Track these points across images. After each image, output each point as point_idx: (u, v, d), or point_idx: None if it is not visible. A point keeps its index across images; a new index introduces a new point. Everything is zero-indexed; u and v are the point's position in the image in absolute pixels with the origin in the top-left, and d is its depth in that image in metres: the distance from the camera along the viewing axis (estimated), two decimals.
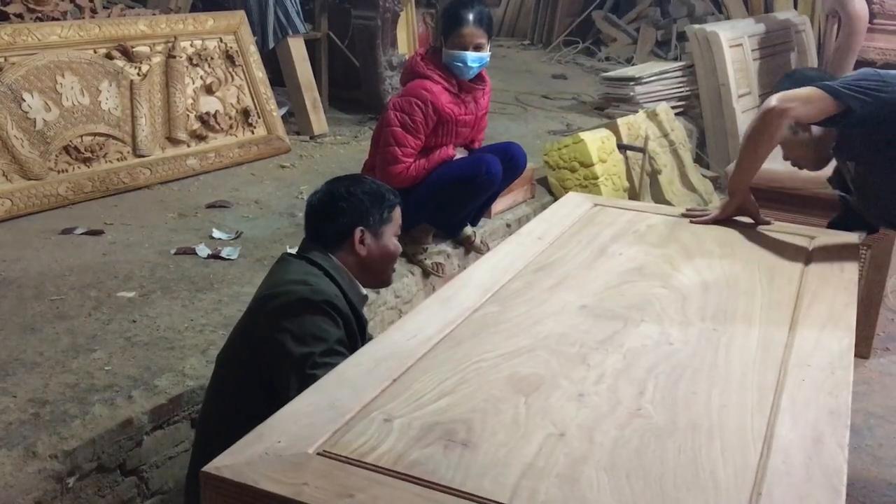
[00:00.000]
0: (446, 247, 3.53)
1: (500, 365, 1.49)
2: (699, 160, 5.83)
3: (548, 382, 1.44)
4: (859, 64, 6.51)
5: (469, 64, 3.22)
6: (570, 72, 7.70)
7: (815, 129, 2.32)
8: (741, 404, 1.40)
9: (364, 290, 2.07)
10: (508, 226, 4.00)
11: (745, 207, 2.38)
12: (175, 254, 3.20)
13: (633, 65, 7.23)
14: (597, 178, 4.29)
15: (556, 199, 4.42)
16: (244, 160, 4.36)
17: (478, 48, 3.22)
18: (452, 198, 3.32)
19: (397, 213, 2.08)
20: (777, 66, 6.75)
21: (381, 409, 1.32)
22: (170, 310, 2.75)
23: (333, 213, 2.01)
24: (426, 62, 3.28)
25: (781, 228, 2.37)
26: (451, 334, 1.60)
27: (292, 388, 1.71)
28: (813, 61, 7.21)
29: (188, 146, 4.16)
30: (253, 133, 4.49)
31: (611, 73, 6.30)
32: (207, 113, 4.26)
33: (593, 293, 1.85)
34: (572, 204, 2.56)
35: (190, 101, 4.21)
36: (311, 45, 5.17)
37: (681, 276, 1.98)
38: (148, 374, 2.36)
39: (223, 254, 3.21)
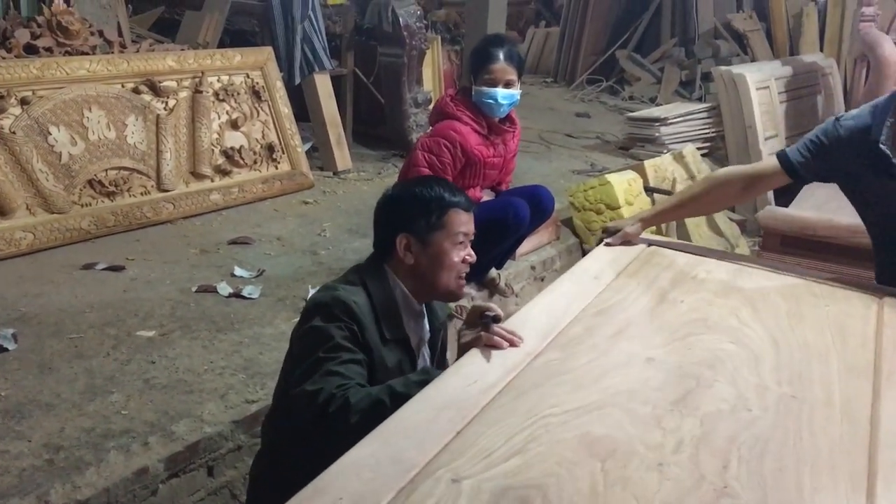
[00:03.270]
0: (470, 289, 3.46)
1: (569, 422, 1.39)
2: None
3: (623, 447, 1.33)
4: None
5: (500, 101, 3.18)
6: (594, 110, 7.67)
7: None
8: (834, 488, 1.29)
9: (418, 306, 1.92)
10: (533, 268, 3.94)
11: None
12: (196, 291, 3.16)
13: (657, 104, 7.21)
14: None
15: (581, 240, 4.36)
16: (267, 195, 4.33)
17: (508, 85, 3.18)
18: (478, 241, 3.24)
19: (454, 218, 1.86)
20: (804, 109, 6.69)
21: (447, 466, 1.22)
22: (189, 351, 2.70)
23: (378, 219, 1.93)
24: (456, 103, 3.25)
25: (843, 283, 2.23)
26: (513, 383, 1.51)
27: (302, 384, 1.67)
28: (840, 105, 7.14)
29: (212, 181, 4.14)
30: (277, 168, 4.47)
31: (636, 114, 6.27)
32: (232, 148, 4.25)
33: (659, 345, 1.74)
34: (609, 249, 2.41)
35: (215, 135, 4.20)
36: (336, 82, 5.17)
37: (749, 331, 1.86)
38: (165, 420, 2.30)
39: (244, 292, 3.17)
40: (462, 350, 1.66)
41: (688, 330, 1.83)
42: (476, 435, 1.31)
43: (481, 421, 1.36)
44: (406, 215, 1.86)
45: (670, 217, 2.42)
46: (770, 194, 5.73)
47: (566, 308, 1.87)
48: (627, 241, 2.35)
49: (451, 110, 3.25)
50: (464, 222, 1.88)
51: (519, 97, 3.29)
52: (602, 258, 2.26)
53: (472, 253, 1.93)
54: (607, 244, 2.34)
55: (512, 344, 1.63)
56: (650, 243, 2.37)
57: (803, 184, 2.72)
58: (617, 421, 1.41)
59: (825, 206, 4.52)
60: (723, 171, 2.49)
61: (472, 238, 1.93)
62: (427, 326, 1.96)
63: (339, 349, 1.70)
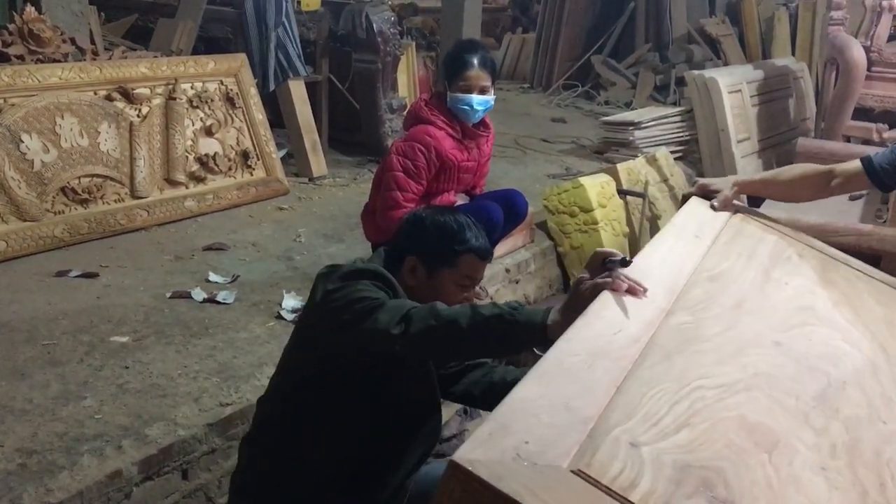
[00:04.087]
0: None
1: (724, 399, 1.30)
2: None
3: (783, 440, 1.25)
4: (857, 111, 6.55)
5: (475, 107, 3.21)
6: (570, 115, 7.73)
7: None
8: None
9: None
10: (508, 271, 3.97)
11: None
12: (170, 297, 3.15)
13: (632, 109, 7.27)
14: (596, 223, 4.27)
15: (555, 243, 4.40)
16: (242, 202, 4.33)
17: (483, 91, 3.21)
18: None
19: (467, 262, 1.85)
20: (776, 112, 6.79)
21: (621, 426, 1.13)
22: (163, 356, 2.71)
23: (400, 230, 1.93)
24: (430, 107, 3.27)
25: None
26: (654, 340, 1.40)
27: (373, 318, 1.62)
28: (811, 108, 7.25)
29: (186, 188, 4.14)
30: (252, 175, 4.47)
31: (610, 118, 6.33)
32: (206, 155, 4.25)
33: (779, 328, 1.61)
34: (701, 204, 2.21)
35: (189, 142, 4.20)
36: (311, 88, 5.18)
37: (856, 333, 1.72)
38: (139, 423, 2.30)
39: (219, 298, 3.17)
40: (584, 295, 1.52)
41: (801, 318, 1.70)
42: (638, 395, 1.22)
43: (636, 378, 1.26)
44: (422, 240, 1.85)
45: (760, 191, 2.33)
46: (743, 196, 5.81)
47: (680, 266, 1.73)
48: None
49: (426, 115, 3.28)
50: (476, 269, 1.87)
51: (493, 102, 3.32)
52: (696, 217, 2.08)
53: (472, 296, 1.90)
54: (713, 208, 2.16)
55: (634, 293, 1.50)
56: (737, 210, 2.19)
57: (885, 191, 2.68)
58: (766, 408, 1.32)
59: (795, 207, 4.58)
60: (811, 164, 2.39)
61: (478, 285, 1.92)
62: None
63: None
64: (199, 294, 3.18)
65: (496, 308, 1.58)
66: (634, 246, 4.53)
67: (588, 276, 1.57)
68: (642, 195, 4.54)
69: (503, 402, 1.12)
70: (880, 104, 6.67)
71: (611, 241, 4.32)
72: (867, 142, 6.32)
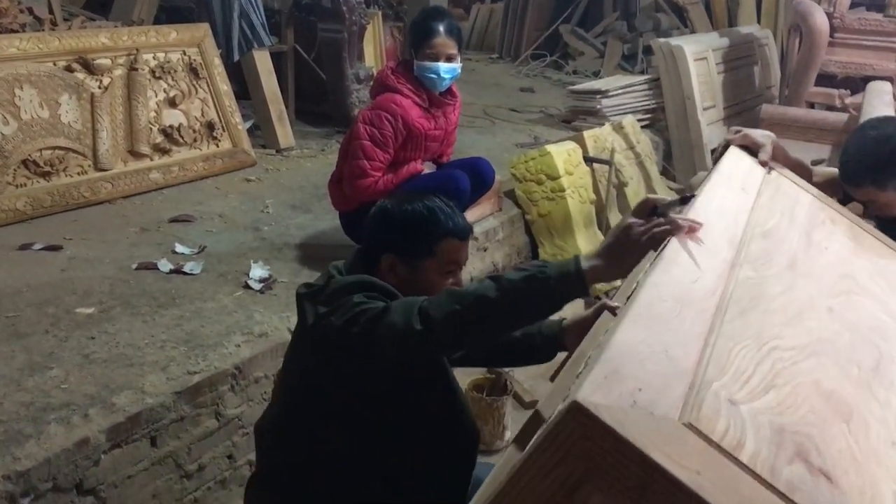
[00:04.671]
0: None
1: (798, 363, 1.23)
2: (665, 173, 5.87)
3: (856, 412, 1.20)
4: (820, 78, 6.61)
5: (442, 75, 3.21)
6: (538, 85, 7.73)
7: None
8: None
9: None
10: (476, 239, 3.98)
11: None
12: (136, 269, 3.14)
13: (599, 78, 7.28)
14: (563, 190, 4.30)
15: (523, 211, 4.42)
16: (209, 174, 4.30)
17: (449, 59, 3.21)
18: None
19: (447, 247, 1.71)
20: (741, 80, 6.84)
21: (717, 381, 1.06)
22: (130, 326, 2.70)
23: (368, 228, 1.78)
24: (397, 75, 3.27)
25: None
26: (727, 293, 1.32)
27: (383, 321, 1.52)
28: (776, 75, 7.31)
29: (151, 160, 4.10)
30: (218, 146, 4.44)
31: (577, 87, 6.34)
32: (171, 126, 4.21)
33: (829, 292, 1.53)
34: (745, 158, 2.07)
35: (153, 114, 4.15)
36: (276, 58, 5.14)
37: (893, 305, 1.64)
38: (106, 392, 2.30)
39: (186, 269, 3.16)
40: (636, 243, 1.44)
41: (846, 285, 1.61)
42: (724, 350, 1.15)
43: (721, 333, 1.20)
44: (394, 235, 1.71)
45: (780, 160, 2.26)
46: (708, 159, 5.87)
47: (735, 218, 1.63)
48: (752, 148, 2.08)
49: (392, 83, 3.27)
50: (458, 251, 1.75)
51: (460, 70, 3.32)
52: (739, 168, 1.96)
53: (461, 280, 1.78)
54: (763, 164, 2.03)
55: (694, 231, 1.41)
56: (770, 168, 2.06)
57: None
58: (835, 376, 1.26)
59: None
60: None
61: (464, 264, 1.78)
62: None
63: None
64: (165, 265, 3.17)
65: (521, 271, 1.49)
66: (601, 213, 4.57)
67: (638, 223, 1.47)
68: (609, 163, 4.58)
69: (610, 344, 1.04)
70: (843, 70, 6.72)
71: (578, 208, 4.36)
72: (830, 108, 6.39)
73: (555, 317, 1.65)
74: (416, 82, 3.27)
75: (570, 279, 1.45)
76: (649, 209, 1.54)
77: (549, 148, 4.40)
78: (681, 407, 0.96)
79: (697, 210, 1.51)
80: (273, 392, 1.97)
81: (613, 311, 1.74)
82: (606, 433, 0.83)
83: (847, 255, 1.75)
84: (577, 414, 0.85)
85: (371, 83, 5.32)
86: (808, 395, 1.14)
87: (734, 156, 1.99)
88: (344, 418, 1.67)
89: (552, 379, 2.26)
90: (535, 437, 0.90)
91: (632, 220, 1.48)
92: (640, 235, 1.42)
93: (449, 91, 3.37)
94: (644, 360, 1.02)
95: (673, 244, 1.37)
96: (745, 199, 1.73)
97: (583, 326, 1.80)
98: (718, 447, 0.92)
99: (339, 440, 1.68)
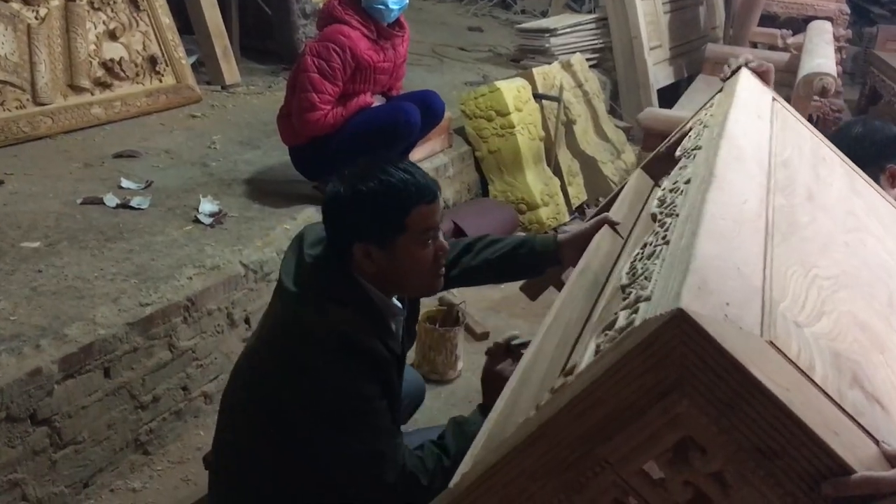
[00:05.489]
0: None
1: (837, 293, 1.22)
2: (612, 111, 5.92)
3: (886, 343, 1.19)
4: (763, 18, 6.71)
5: (390, 6, 3.18)
6: (486, 24, 7.68)
7: None
8: None
9: (395, 305, 1.70)
10: None
11: None
12: (81, 203, 3.08)
13: (547, 17, 7.26)
14: (513, 126, 4.32)
15: (473, 148, 4.44)
16: (153, 110, 4.21)
17: None
18: (370, 146, 3.26)
19: (416, 216, 1.57)
20: (687, 20, 6.89)
21: (782, 303, 1.04)
22: (78, 259, 2.66)
23: (327, 220, 1.63)
24: (344, 7, 3.22)
25: None
26: (769, 218, 1.29)
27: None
28: (720, 16, 7.39)
29: (92, 94, 3.99)
30: (161, 82, 4.33)
31: (526, 25, 6.32)
32: (111, 60, 4.09)
33: (842, 227, 1.51)
34: (757, 85, 2.04)
35: (92, 47, 4.02)
36: None
37: (890, 244, 1.63)
38: (57, 324, 2.28)
39: (133, 203, 3.11)
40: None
41: (853, 222, 1.60)
42: (780, 273, 1.13)
43: (775, 255, 1.17)
44: (358, 221, 1.57)
45: None
46: (654, 97, 5.94)
47: (758, 144, 1.58)
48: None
49: (340, 14, 3.22)
50: (429, 216, 1.59)
51: (408, 1, 3.29)
52: (752, 94, 1.92)
53: (445, 245, 1.66)
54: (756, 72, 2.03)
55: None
56: (774, 98, 2.03)
57: None
58: (864, 308, 1.25)
59: None
60: None
61: (441, 229, 1.65)
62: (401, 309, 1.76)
63: (379, 414, 1.57)
64: (111, 200, 3.11)
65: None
66: (550, 150, 4.61)
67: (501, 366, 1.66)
68: (557, 99, 4.60)
69: (694, 256, 1.00)
70: (784, 11, 6.84)
71: (527, 144, 4.39)
72: (772, 47, 6.50)
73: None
74: (363, 14, 3.23)
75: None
76: (503, 350, 1.69)
77: (499, 84, 4.40)
78: (760, 325, 0.95)
79: (730, 135, 1.48)
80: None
81: (614, 225, 1.81)
82: (708, 343, 0.82)
83: (847, 193, 1.73)
84: (683, 322, 0.82)
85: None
86: (849, 325, 1.13)
87: (747, 81, 1.95)
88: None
89: (524, 289, 2.32)
90: (616, 341, 0.90)
91: (493, 367, 1.67)
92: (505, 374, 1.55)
93: (397, 23, 3.34)
94: (723, 275, 0.99)
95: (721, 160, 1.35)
96: (763, 127, 1.70)
97: (582, 239, 1.84)
98: (796, 367, 0.91)
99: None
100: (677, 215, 1.21)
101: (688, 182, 1.36)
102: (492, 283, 2.13)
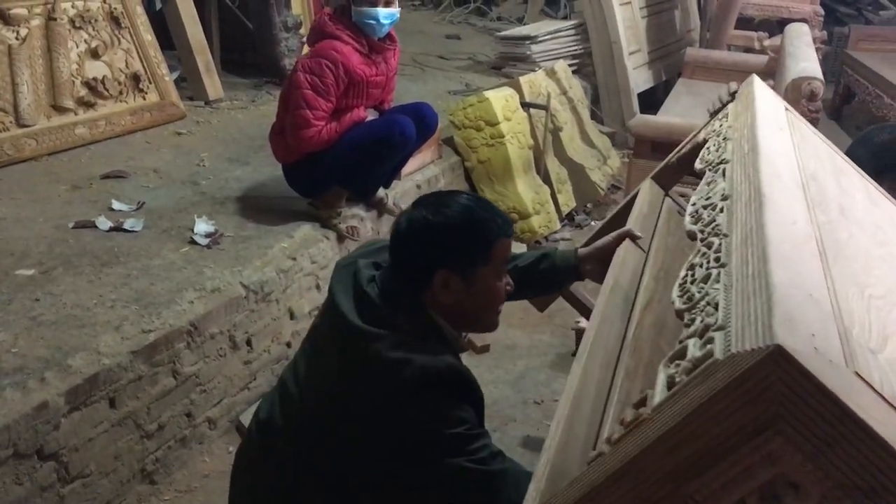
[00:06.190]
0: (360, 210, 3.47)
1: (891, 313, 1.16)
2: (594, 116, 5.94)
3: None
4: (739, 21, 6.77)
5: (381, 21, 3.15)
6: (463, 32, 7.68)
7: None
8: None
9: (462, 339, 1.68)
10: (419, 187, 3.98)
11: None
12: (73, 228, 3.01)
13: (524, 24, 7.28)
14: (503, 136, 4.31)
15: (462, 158, 4.42)
16: (137, 128, 4.14)
17: (388, 4, 3.16)
18: (366, 160, 3.26)
19: (500, 249, 1.60)
20: (663, 24, 6.94)
21: (854, 328, 1.00)
22: (75, 287, 2.60)
23: (411, 245, 1.60)
24: (335, 22, 3.19)
25: None
26: (818, 237, 1.23)
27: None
28: (695, 20, 7.45)
29: (76, 114, 3.91)
30: (145, 99, 4.26)
31: (506, 33, 6.32)
32: (95, 79, 4.02)
33: (873, 242, 1.46)
34: (770, 94, 2.00)
35: (75, 66, 3.95)
36: (199, 7, 4.93)
37: None
38: (60, 355, 2.22)
39: (126, 226, 3.05)
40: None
41: (882, 236, 1.54)
42: (843, 296, 1.08)
43: (833, 278, 1.12)
44: (447, 248, 1.56)
45: None
46: (635, 102, 5.97)
47: (787, 158, 1.53)
48: None
49: (331, 30, 3.19)
50: (508, 250, 1.65)
51: (398, 15, 3.27)
52: (770, 104, 1.87)
53: (511, 281, 1.68)
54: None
55: None
56: (786, 108, 1.98)
57: None
58: None
59: (690, 113, 4.77)
60: None
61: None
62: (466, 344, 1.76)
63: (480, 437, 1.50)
64: (104, 223, 3.05)
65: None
66: (539, 158, 4.61)
67: None
68: (545, 107, 4.60)
69: (773, 285, 0.95)
70: (760, 13, 6.92)
71: (517, 153, 4.38)
72: (749, 49, 6.57)
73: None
74: (354, 28, 3.20)
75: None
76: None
77: (488, 94, 4.39)
78: (843, 355, 0.90)
79: (763, 151, 1.44)
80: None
81: (635, 239, 1.79)
82: (806, 380, 0.78)
83: (869, 205, 1.69)
84: (779, 358, 0.78)
85: (300, 31, 5.21)
86: None
87: (762, 90, 1.93)
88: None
89: (532, 300, 2.28)
90: (703, 379, 0.85)
91: None
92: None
93: (388, 36, 3.32)
94: (800, 304, 0.94)
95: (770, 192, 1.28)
96: (786, 139, 1.65)
97: (603, 253, 1.82)
98: (883, 398, 0.87)
99: None
100: (726, 235, 1.18)
101: (724, 199, 1.33)
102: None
